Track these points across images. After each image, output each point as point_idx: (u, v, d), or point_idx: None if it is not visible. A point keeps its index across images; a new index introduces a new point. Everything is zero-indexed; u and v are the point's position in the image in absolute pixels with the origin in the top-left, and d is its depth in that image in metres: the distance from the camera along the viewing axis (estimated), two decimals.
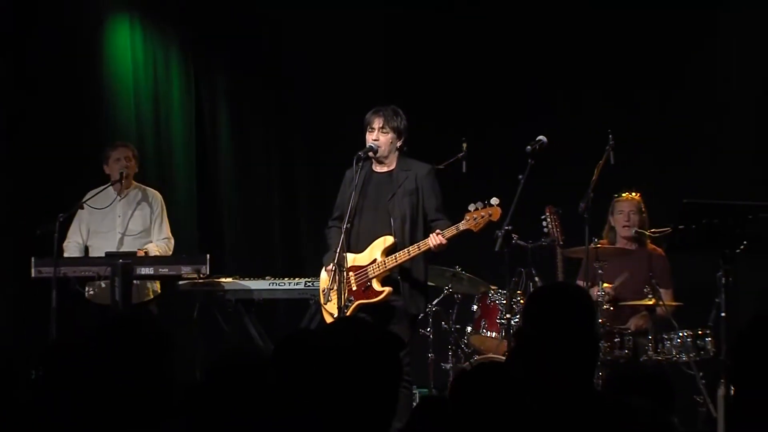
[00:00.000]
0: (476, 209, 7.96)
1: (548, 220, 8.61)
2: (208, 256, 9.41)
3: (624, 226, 9.26)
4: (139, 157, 9.91)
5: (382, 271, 8.12)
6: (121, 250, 9.51)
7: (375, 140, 8.30)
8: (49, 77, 11.30)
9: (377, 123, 8.32)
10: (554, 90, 10.24)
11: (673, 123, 10.10)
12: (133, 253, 9.42)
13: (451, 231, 7.98)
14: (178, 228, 10.03)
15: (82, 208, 9.57)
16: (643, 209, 9.29)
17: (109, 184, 9.67)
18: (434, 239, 7.96)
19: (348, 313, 8.11)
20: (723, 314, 8.18)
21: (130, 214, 9.74)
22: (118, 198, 9.71)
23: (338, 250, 8.10)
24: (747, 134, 9.85)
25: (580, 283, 8.89)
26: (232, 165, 11.06)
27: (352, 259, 8.22)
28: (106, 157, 9.75)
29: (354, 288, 8.17)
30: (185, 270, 9.48)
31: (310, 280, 9.38)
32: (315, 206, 8.99)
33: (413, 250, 8.03)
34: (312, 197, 9.13)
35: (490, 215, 7.96)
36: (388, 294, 8.11)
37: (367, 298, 8.18)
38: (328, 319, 8.27)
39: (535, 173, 8.29)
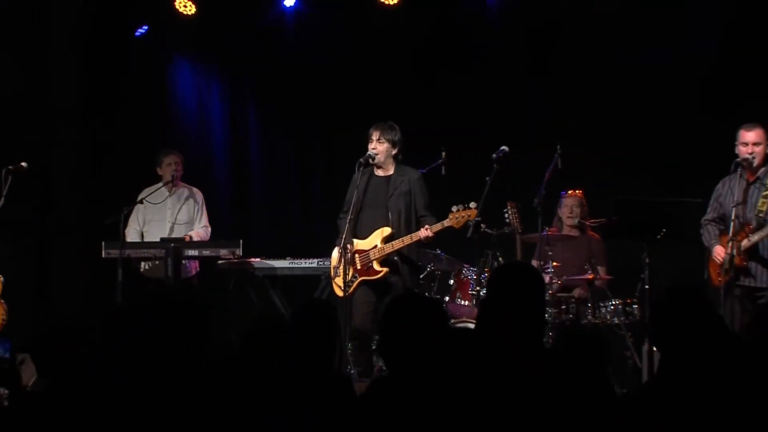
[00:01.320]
0: (458, 210, 8.13)
1: (509, 212, 8.63)
2: (240, 240, 9.45)
3: (568, 217, 9.40)
4: (186, 160, 9.96)
5: (381, 255, 8.34)
6: (171, 236, 9.57)
7: (374, 149, 8.45)
8: (118, 101, 11.37)
9: (375, 135, 8.45)
10: (514, 111, 10.19)
11: (609, 132, 10.06)
12: (181, 239, 9.51)
13: (437, 227, 8.18)
14: (217, 217, 10.03)
15: (141, 203, 9.65)
16: (584, 204, 9.41)
17: (162, 183, 9.74)
18: (423, 233, 8.19)
19: (353, 288, 8.28)
20: (647, 286, 8.23)
21: (179, 208, 9.80)
22: (169, 195, 9.78)
23: (344, 237, 8.30)
24: (666, 142, 9.85)
25: (535, 263, 8.96)
26: (260, 167, 11.02)
27: (357, 244, 8.40)
28: (159, 161, 9.81)
29: (359, 267, 8.36)
30: (222, 252, 9.56)
31: (321, 259, 9.44)
32: (325, 201, 8.99)
33: (407, 239, 8.24)
34: (323, 194, 9.13)
35: (470, 216, 8.12)
36: (386, 273, 8.31)
37: (368, 276, 8.38)
38: (337, 291, 8.43)
39: (499, 175, 8.40)
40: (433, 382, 3.77)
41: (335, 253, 8.52)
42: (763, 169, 8.12)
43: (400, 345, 3.94)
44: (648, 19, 10.12)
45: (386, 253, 8.34)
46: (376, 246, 8.37)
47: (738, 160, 8.09)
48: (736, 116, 8.68)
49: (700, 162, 9.19)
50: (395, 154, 8.52)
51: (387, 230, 8.39)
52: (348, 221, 8.36)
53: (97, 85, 11.43)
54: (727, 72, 9.93)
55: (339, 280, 8.40)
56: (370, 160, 8.48)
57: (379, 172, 8.56)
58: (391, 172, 8.53)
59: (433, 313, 4.09)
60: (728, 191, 8.17)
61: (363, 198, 8.49)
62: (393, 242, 8.31)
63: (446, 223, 8.20)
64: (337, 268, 8.46)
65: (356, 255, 8.38)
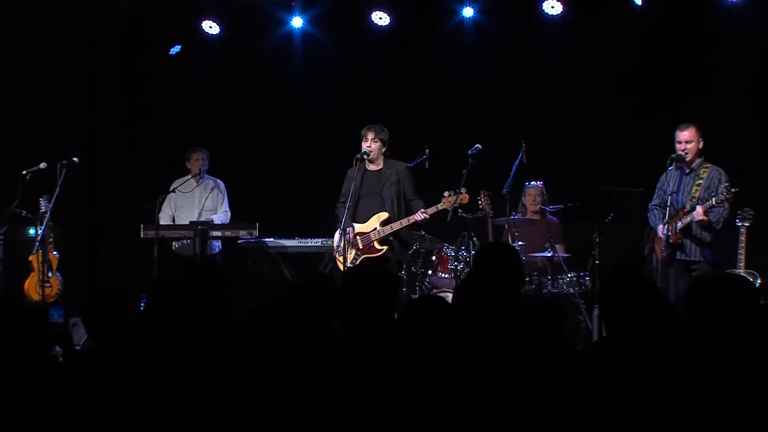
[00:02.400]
0: (449, 195, 8.26)
1: (482, 200, 8.59)
2: (257, 223, 9.47)
3: (531, 204, 9.41)
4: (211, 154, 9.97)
5: (381, 236, 8.46)
6: (198, 220, 9.57)
7: (368, 147, 8.49)
8: (154, 106, 11.36)
9: (370, 135, 8.52)
10: (487, 113, 10.17)
11: (566, 132, 10.03)
12: (207, 222, 9.50)
13: (432, 210, 8.35)
14: (238, 204, 10.02)
15: (173, 192, 9.64)
16: (544, 193, 9.44)
17: (190, 176, 9.75)
18: (420, 216, 8.36)
19: (356, 263, 8.41)
20: (597, 262, 8.34)
21: (205, 197, 9.78)
22: (196, 185, 9.76)
23: (344, 222, 8.45)
24: (612, 140, 9.86)
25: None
26: (273, 162, 10.99)
27: (358, 228, 8.50)
28: (188, 157, 9.82)
29: (361, 247, 8.49)
30: (242, 233, 9.57)
31: (325, 239, 9.43)
32: (327, 190, 8.98)
33: (404, 222, 8.41)
34: (326, 184, 9.11)
35: (461, 200, 8.24)
36: (386, 251, 8.43)
37: (370, 254, 8.51)
38: (340, 266, 8.51)
39: (474, 169, 8.42)
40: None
41: (337, 236, 8.57)
42: (698, 161, 8.14)
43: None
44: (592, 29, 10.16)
45: (385, 234, 8.49)
46: (375, 228, 8.51)
47: (673, 155, 8.11)
48: (672, 117, 8.72)
49: (641, 156, 9.20)
50: (385, 151, 8.64)
51: (384, 215, 8.51)
52: (347, 209, 8.42)
53: (136, 94, 11.46)
54: (662, 78, 9.94)
55: (340, 259, 8.52)
56: (365, 156, 8.54)
57: (372, 167, 8.63)
58: (381, 166, 8.65)
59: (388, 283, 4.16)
60: (668, 182, 8.19)
61: (360, 189, 8.56)
62: (391, 224, 8.46)
63: (440, 206, 8.34)
64: (339, 248, 8.52)
65: (357, 237, 8.48)
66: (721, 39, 9.76)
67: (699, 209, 7.87)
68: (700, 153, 8.16)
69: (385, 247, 8.52)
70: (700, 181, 8.06)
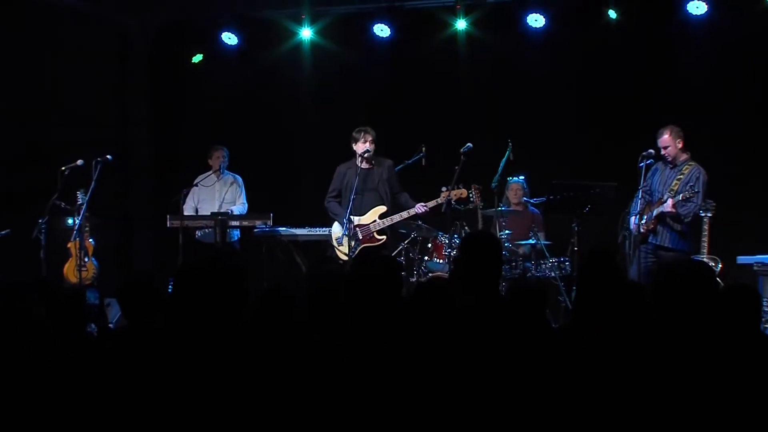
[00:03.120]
0: (446, 190, 8.30)
1: (473, 193, 8.57)
2: (271, 213, 9.47)
3: (513, 197, 9.42)
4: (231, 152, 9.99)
5: (380, 227, 8.52)
6: (219, 211, 9.59)
7: (369, 147, 8.47)
8: (179, 109, 11.35)
9: (369, 137, 8.56)
10: (477, 115, 10.14)
11: (548, 133, 10.01)
12: (227, 213, 9.50)
13: (432, 203, 8.41)
14: (254, 196, 10.02)
15: (196, 186, 9.66)
16: (525, 187, 9.44)
17: (212, 171, 9.76)
18: (421, 208, 8.44)
19: (356, 252, 8.44)
20: (575, 249, 8.35)
21: (225, 191, 9.78)
22: (217, 180, 9.76)
23: (344, 215, 8.49)
24: (588, 140, 9.84)
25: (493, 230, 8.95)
26: (285, 159, 11.02)
27: (358, 220, 8.52)
28: (210, 154, 9.83)
29: (360, 237, 8.49)
30: (257, 222, 9.57)
31: (331, 228, 9.27)
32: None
33: (404, 215, 8.49)
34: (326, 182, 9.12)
35: (461, 194, 8.33)
36: (384, 241, 8.49)
37: (370, 243, 8.53)
38: (341, 256, 8.52)
39: (465, 165, 8.42)
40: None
41: (335, 227, 8.57)
42: (683, 157, 8.22)
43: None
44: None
45: (385, 225, 8.51)
46: (375, 221, 8.53)
47: (646, 153, 8.16)
48: (641, 119, 8.74)
49: (614, 154, 9.17)
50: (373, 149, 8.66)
51: (383, 208, 8.56)
52: (351, 201, 8.44)
53: (163, 98, 11.49)
54: (633, 85, 9.94)
55: (343, 248, 8.52)
56: (366, 155, 8.53)
57: (364, 165, 8.65)
58: (373, 164, 8.64)
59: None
60: (651, 176, 8.27)
61: (355, 185, 8.55)
62: (391, 216, 8.51)
63: (439, 200, 8.37)
64: (340, 238, 8.52)
65: (357, 228, 8.47)
66: (686, 48, 9.76)
67: (669, 201, 7.94)
68: (681, 151, 8.20)
69: (384, 237, 8.56)
70: (681, 176, 8.15)
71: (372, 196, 8.62)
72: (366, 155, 8.61)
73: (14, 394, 3.31)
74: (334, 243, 8.66)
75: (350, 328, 3.82)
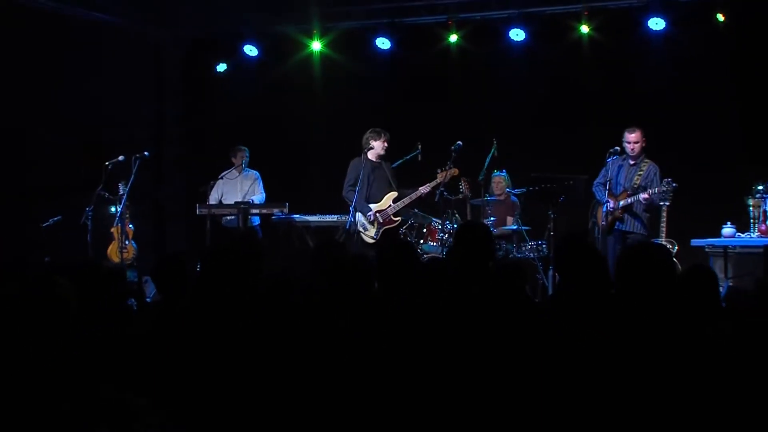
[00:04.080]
0: (442, 171, 8.31)
1: (462, 185, 8.56)
2: (287, 203, 9.46)
3: (496, 189, 9.33)
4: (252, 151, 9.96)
5: (395, 210, 8.45)
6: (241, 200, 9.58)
7: (386, 147, 8.56)
8: (207, 111, 11.31)
9: (386, 137, 8.55)
10: (467, 117, 10.08)
11: (528, 133, 9.97)
12: (248, 202, 9.50)
13: (433, 183, 8.34)
14: (271, 187, 9.97)
15: (221, 179, 9.65)
16: (508, 179, 9.37)
17: (234, 167, 9.73)
18: (426, 189, 8.37)
19: (379, 234, 8.44)
20: (551, 233, 8.32)
21: (246, 184, 9.77)
22: (238, 175, 9.75)
23: (363, 205, 8.43)
24: (562, 138, 9.79)
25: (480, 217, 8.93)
26: (298, 155, 11.01)
27: (376, 207, 8.47)
28: (234, 154, 9.82)
29: (381, 221, 8.42)
30: (275, 210, 9.56)
31: (340, 215, 9.37)
32: (342, 177, 8.94)
33: (413, 196, 8.46)
34: (340, 173, 9.08)
35: (453, 174, 8.28)
36: (399, 221, 8.50)
37: (389, 225, 8.47)
38: (368, 240, 8.49)
39: (455, 161, 8.39)
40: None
41: (359, 215, 8.53)
42: (641, 156, 8.19)
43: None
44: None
45: (399, 208, 8.46)
46: (390, 205, 8.47)
47: (611, 149, 8.15)
48: (606, 122, 8.72)
49: (584, 151, 9.15)
50: None
51: (394, 194, 8.52)
52: (357, 192, 8.42)
53: (193, 103, 11.49)
54: (600, 92, 9.91)
55: (368, 233, 8.47)
56: (381, 152, 8.59)
57: (375, 159, 8.57)
58: (380, 160, 8.60)
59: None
60: (612, 168, 8.22)
61: (369, 177, 8.52)
62: (402, 200, 8.44)
63: (437, 181, 8.34)
64: (365, 224, 8.50)
65: (377, 214, 8.43)
66: (647, 60, 9.76)
67: (644, 195, 7.94)
68: (642, 150, 8.19)
69: (399, 218, 8.53)
70: (641, 173, 8.13)
71: (383, 185, 8.57)
72: (381, 152, 8.58)
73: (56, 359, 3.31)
74: (360, 229, 8.55)
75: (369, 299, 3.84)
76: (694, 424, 2.75)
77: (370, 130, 8.62)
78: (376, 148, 8.56)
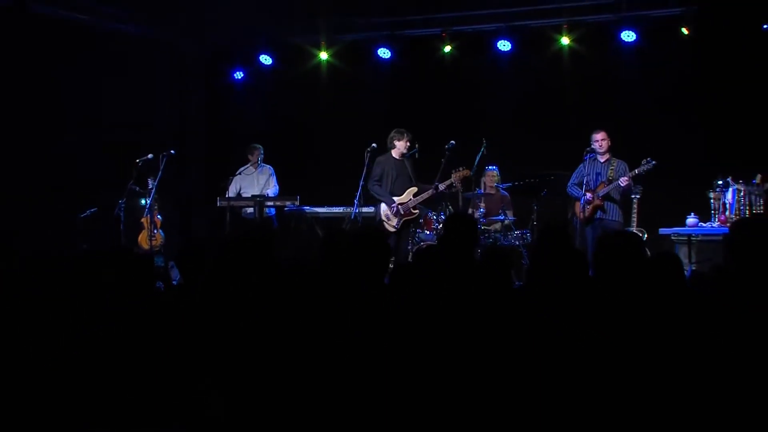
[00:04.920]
0: (456, 171, 8.24)
1: (455, 179, 8.46)
2: (298, 195, 9.46)
3: (488, 182, 9.25)
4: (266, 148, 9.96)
5: (415, 203, 8.35)
6: (258, 193, 9.56)
7: (409, 146, 8.49)
8: (228, 113, 11.28)
9: (409, 136, 8.48)
10: (459, 119, 10.05)
11: (514, 133, 9.91)
12: (263, 195, 9.49)
13: (447, 183, 8.30)
14: (284, 181, 9.96)
15: (239, 174, 9.64)
16: (498, 174, 9.31)
17: (250, 164, 9.75)
18: (441, 186, 8.28)
19: (400, 224, 8.36)
20: (535, 223, 8.32)
21: (261, 178, 9.79)
22: (254, 171, 9.76)
23: (387, 197, 8.39)
24: (544, 139, 9.70)
25: (471, 210, 8.89)
26: (310, 153, 10.99)
27: (398, 200, 8.39)
28: (251, 151, 9.84)
29: (402, 213, 8.33)
30: (287, 202, 9.57)
31: (346, 206, 9.30)
32: (347, 172, 8.94)
33: (431, 192, 8.34)
34: (346, 169, 9.07)
35: (465, 174, 8.29)
36: (418, 213, 8.44)
37: (409, 217, 8.42)
38: (390, 228, 8.38)
39: (449, 158, 8.38)
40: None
41: (383, 207, 8.47)
42: (608, 154, 8.20)
43: None
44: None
45: (417, 202, 8.37)
46: (410, 199, 8.38)
47: (588, 149, 8.15)
48: (583, 125, 8.71)
49: (564, 151, 9.08)
50: None
51: (414, 189, 8.43)
52: (389, 185, 8.40)
53: (213, 106, 11.50)
54: (578, 98, 9.88)
55: (390, 222, 8.40)
56: (404, 150, 8.53)
57: (398, 157, 8.51)
58: (402, 157, 8.52)
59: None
60: (586, 168, 8.20)
61: (393, 172, 8.46)
62: (421, 195, 8.36)
63: (452, 180, 8.31)
64: (388, 215, 8.43)
65: (399, 206, 8.38)
66: (620, 68, 9.75)
67: (624, 178, 7.95)
68: (609, 149, 8.19)
69: (417, 211, 8.45)
70: (613, 168, 8.14)
71: (405, 181, 8.48)
72: (404, 150, 8.50)
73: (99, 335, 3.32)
74: (383, 218, 8.46)
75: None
76: (665, 395, 2.74)
77: (394, 131, 8.57)
78: (399, 146, 8.51)
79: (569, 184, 8.33)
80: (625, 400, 2.76)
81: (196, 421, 3.05)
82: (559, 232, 4.52)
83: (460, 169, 8.33)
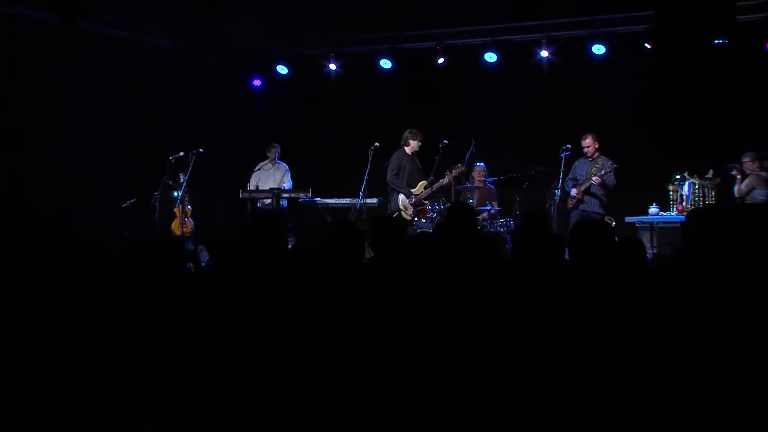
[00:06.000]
0: (455, 168, 8.23)
1: (448, 174, 8.46)
2: (310, 188, 9.47)
3: (477, 177, 9.23)
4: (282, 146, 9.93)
5: (425, 196, 8.31)
6: (275, 186, 9.55)
7: (420, 144, 8.43)
8: (247, 115, 11.22)
9: (421, 137, 8.38)
10: (451, 121, 9.96)
11: (500, 133, 9.84)
12: (280, 188, 9.49)
13: (450, 176, 8.26)
14: (298, 176, 9.95)
15: (258, 170, 9.65)
16: (485, 170, 9.28)
17: (268, 161, 9.75)
18: (445, 180, 8.24)
19: (414, 213, 8.33)
20: (517, 212, 8.32)
21: (278, 174, 9.81)
22: (272, 167, 9.77)
23: (406, 190, 8.36)
24: (528, 139, 9.69)
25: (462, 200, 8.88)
26: (319, 151, 10.92)
27: (413, 191, 8.36)
28: (269, 149, 9.84)
29: (416, 203, 8.31)
30: (300, 194, 9.57)
31: (352, 198, 9.26)
32: (353, 168, 8.92)
33: (436, 186, 8.30)
34: (352, 165, 9.02)
35: (462, 170, 8.22)
36: (427, 203, 8.35)
37: (421, 207, 8.36)
38: (406, 216, 8.32)
39: (443, 156, 8.38)
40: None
41: (401, 198, 8.41)
42: (597, 154, 8.27)
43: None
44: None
45: (427, 194, 8.30)
46: (422, 191, 8.33)
47: (564, 147, 8.20)
48: (565, 128, 8.70)
49: (543, 149, 9.08)
50: None
51: (425, 182, 8.37)
52: (404, 178, 8.34)
53: (236, 110, 11.48)
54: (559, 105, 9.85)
55: (407, 212, 8.35)
56: (417, 149, 8.45)
57: (411, 154, 8.45)
58: (414, 154, 8.46)
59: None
60: (578, 166, 8.32)
61: (408, 167, 8.39)
62: (432, 187, 8.31)
63: (453, 174, 8.32)
64: (406, 205, 8.38)
65: (413, 197, 8.34)
66: (592, 77, 9.72)
67: (595, 178, 8.02)
68: (596, 150, 8.24)
69: (427, 201, 8.38)
70: (597, 166, 8.19)
71: (416, 175, 8.45)
72: (416, 149, 8.43)
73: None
74: (401, 207, 8.38)
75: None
76: (631, 363, 2.75)
77: (409, 131, 8.51)
78: (413, 145, 8.45)
79: (567, 178, 8.40)
80: (595, 365, 2.77)
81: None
82: (539, 220, 4.50)
83: (458, 166, 8.28)
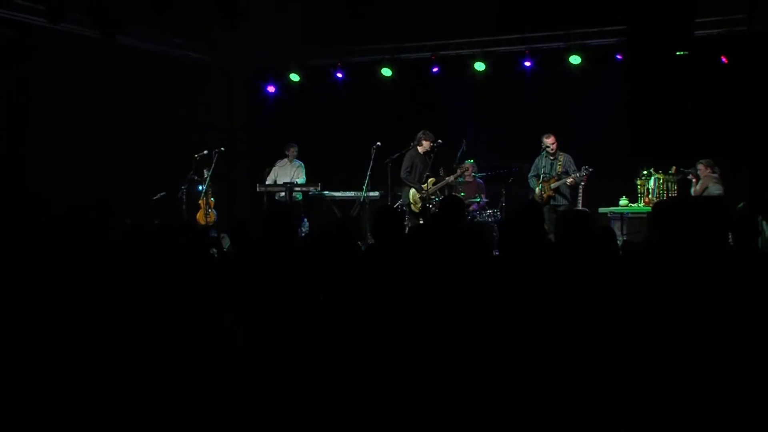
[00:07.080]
0: (459, 168, 8.15)
1: (442, 171, 8.42)
2: (319, 183, 9.44)
3: (467, 173, 9.15)
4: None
5: (434, 190, 8.13)
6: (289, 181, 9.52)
7: (432, 146, 8.20)
8: (263, 119, 11.19)
9: (433, 137, 8.21)
10: (445, 124, 9.79)
11: (490, 134, 9.82)
12: (293, 183, 9.46)
13: (456, 175, 8.15)
14: (309, 172, 9.86)
15: (276, 166, 9.63)
16: (474, 167, 9.14)
17: (286, 157, 9.71)
18: (450, 178, 8.09)
19: (423, 207, 8.10)
20: (503, 205, 8.29)
21: (293, 170, 9.78)
22: (288, 163, 9.73)
23: (419, 186, 8.19)
24: (514, 139, 9.66)
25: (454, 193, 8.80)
26: (326, 149, 10.78)
27: (424, 187, 8.18)
28: (287, 148, 9.81)
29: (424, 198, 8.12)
30: (311, 188, 9.54)
31: (357, 191, 9.15)
32: (358, 165, 8.87)
33: (442, 182, 8.13)
34: (357, 162, 8.98)
35: (466, 169, 8.19)
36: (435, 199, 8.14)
37: (429, 201, 8.15)
38: (416, 210, 8.14)
39: (437, 154, 8.33)
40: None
41: (413, 191, 8.24)
42: (558, 152, 8.19)
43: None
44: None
45: (435, 189, 8.14)
46: (431, 187, 8.17)
47: (544, 148, 8.13)
48: (545, 129, 8.66)
49: (525, 149, 9.03)
50: None
51: (433, 179, 8.21)
52: (413, 177, 8.19)
53: (254, 114, 11.45)
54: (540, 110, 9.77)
55: (417, 206, 8.19)
56: (428, 149, 8.27)
57: (422, 153, 8.29)
58: (425, 153, 8.29)
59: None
60: (541, 163, 8.19)
61: (420, 165, 8.25)
62: (440, 184, 8.16)
63: (458, 173, 8.20)
64: (416, 200, 8.22)
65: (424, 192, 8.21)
66: (569, 84, 9.64)
67: (569, 179, 7.94)
68: (558, 147, 8.16)
69: (434, 197, 8.23)
70: (560, 163, 8.11)
71: (426, 172, 8.32)
72: (428, 149, 8.24)
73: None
74: (411, 201, 8.21)
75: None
76: (601, 335, 2.74)
77: (422, 131, 8.33)
78: (425, 145, 8.26)
79: (529, 175, 8.31)
80: (572, 341, 2.76)
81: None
82: (525, 212, 4.46)
83: (464, 165, 8.27)
